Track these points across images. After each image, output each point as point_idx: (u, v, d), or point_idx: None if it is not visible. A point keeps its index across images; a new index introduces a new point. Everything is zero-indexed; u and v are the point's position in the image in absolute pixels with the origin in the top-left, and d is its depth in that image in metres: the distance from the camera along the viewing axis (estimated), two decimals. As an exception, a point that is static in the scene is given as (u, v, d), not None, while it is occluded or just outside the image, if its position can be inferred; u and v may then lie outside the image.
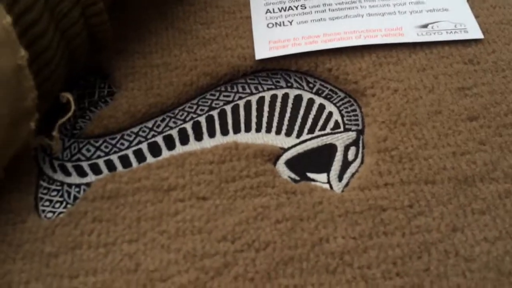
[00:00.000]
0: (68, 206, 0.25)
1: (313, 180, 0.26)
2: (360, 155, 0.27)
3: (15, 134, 0.23)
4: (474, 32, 0.31)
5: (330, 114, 0.29)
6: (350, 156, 0.27)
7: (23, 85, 0.22)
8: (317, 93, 0.30)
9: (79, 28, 0.25)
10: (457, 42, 0.31)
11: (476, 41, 0.31)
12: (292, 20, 0.32)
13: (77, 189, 0.26)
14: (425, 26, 0.31)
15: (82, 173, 0.26)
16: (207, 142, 0.28)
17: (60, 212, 0.25)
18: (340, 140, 0.28)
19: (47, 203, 0.25)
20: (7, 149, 0.23)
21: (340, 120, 0.28)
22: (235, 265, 0.22)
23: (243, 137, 0.28)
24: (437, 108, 0.28)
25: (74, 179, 0.26)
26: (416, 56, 0.30)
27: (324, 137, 0.28)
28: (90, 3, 0.25)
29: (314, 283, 0.22)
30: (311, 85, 0.30)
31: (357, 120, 0.28)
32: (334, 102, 0.29)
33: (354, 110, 0.29)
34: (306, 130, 0.28)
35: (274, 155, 0.27)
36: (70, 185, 0.26)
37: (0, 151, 0.22)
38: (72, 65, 0.26)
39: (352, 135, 0.28)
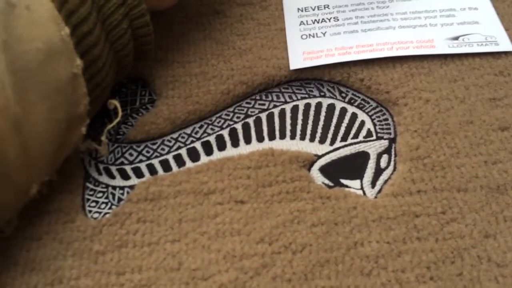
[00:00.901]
0: (113, 207, 0.26)
1: (347, 186, 0.27)
2: (392, 163, 0.28)
3: (68, 138, 0.24)
4: (505, 44, 0.32)
5: (363, 122, 0.30)
6: (383, 163, 0.28)
7: (77, 92, 0.24)
8: (349, 102, 0.31)
9: (127, 39, 0.27)
10: (488, 54, 0.31)
11: (506, 53, 0.31)
12: (325, 32, 0.33)
13: (121, 191, 0.27)
14: (456, 38, 0.32)
15: (125, 176, 0.28)
16: (244, 149, 0.29)
17: (106, 213, 0.26)
18: (373, 148, 0.29)
19: (93, 204, 0.26)
20: (61, 152, 0.24)
21: (372, 129, 0.29)
22: (273, 266, 0.23)
23: (278, 144, 0.29)
24: (469, 118, 0.28)
25: (118, 181, 0.28)
26: (447, 67, 0.31)
27: (357, 145, 0.29)
28: (138, 15, 0.27)
29: (349, 285, 0.23)
30: (343, 94, 0.31)
31: (389, 129, 0.29)
32: (367, 111, 0.30)
33: (386, 119, 0.30)
34: (339, 138, 0.29)
35: (309, 161, 0.28)
36: (114, 187, 0.27)
37: (55, 154, 0.24)
38: (119, 73, 0.28)
39: (384, 143, 0.29)
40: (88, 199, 0.27)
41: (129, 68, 0.29)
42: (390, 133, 0.29)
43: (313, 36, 0.33)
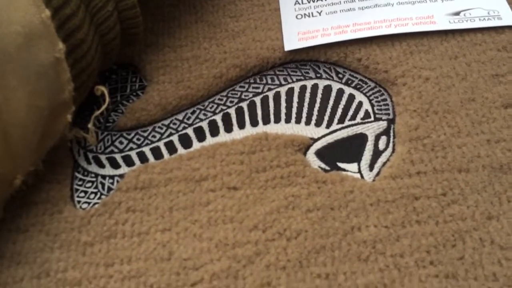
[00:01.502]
0: (103, 197, 0.26)
1: (344, 169, 0.26)
2: (391, 144, 0.27)
3: (53, 126, 0.23)
4: (508, 18, 0.30)
5: (360, 104, 0.29)
6: (381, 145, 0.27)
7: (60, 77, 0.23)
8: (346, 83, 0.29)
9: (113, 22, 0.26)
10: (490, 29, 0.30)
11: (509, 27, 0.30)
12: (321, 11, 0.32)
13: (110, 181, 0.26)
14: (457, 13, 0.31)
15: (115, 164, 0.27)
16: (237, 134, 0.28)
17: (95, 203, 0.25)
18: (371, 129, 0.27)
19: (82, 194, 0.26)
20: (45, 141, 0.24)
21: (370, 110, 0.28)
22: (266, 254, 0.23)
23: (273, 128, 0.28)
24: (471, 96, 0.27)
25: (108, 170, 0.27)
26: (448, 44, 0.30)
27: (354, 127, 0.28)
28: None
29: (346, 271, 0.22)
30: (340, 75, 0.30)
31: (387, 109, 0.28)
32: (364, 92, 0.29)
33: (385, 100, 0.29)
34: (336, 120, 0.28)
35: (304, 145, 0.27)
36: (104, 177, 0.26)
37: (39, 143, 0.23)
38: (106, 58, 0.27)
39: (382, 124, 0.28)
40: (77, 189, 0.26)
41: (116, 53, 0.28)
42: (388, 114, 0.28)
43: (309, 16, 0.32)
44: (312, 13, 0.32)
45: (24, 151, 0.22)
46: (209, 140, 0.28)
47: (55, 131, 0.24)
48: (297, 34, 0.31)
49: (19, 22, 0.21)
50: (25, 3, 0.21)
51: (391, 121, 0.28)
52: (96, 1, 0.25)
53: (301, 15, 0.32)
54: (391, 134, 0.27)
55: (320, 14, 0.32)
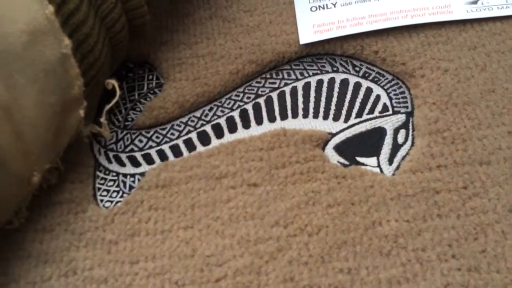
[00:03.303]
0: (125, 195, 0.26)
1: (363, 164, 0.26)
2: (410, 138, 0.27)
3: (66, 122, 0.23)
4: None
5: (378, 97, 0.28)
6: (400, 139, 0.27)
7: (69, 73, 0.23)
8: (363, 77, 0.29)
9: (118, 14, 0.26)
10: (509, 18, 0.30)
11: (529, 15, 0.30)
12: (336, 3, 0.32)
13: (132, 179, 0.27)
14: (475, 2, 0.30)
15: (136, 163, 0.27)
16: (255, 130, 0.28)
17: (117, 201, 0.26)
18: (389, 123, 0.27)
19: (104, 193, 0.26)
20: (60, 137, 0.24)
21: (388, 103, 0.28)
22: (288, 250, 0.23)
23: (290, 123, 0.28)
24: (490, 87, 0.27)
25: (129, 169, 0.27)
26: (467, 34, 0.29)
27: (373, 121, 0.28)
28: None
29: (368, 266, 0.22)
30: (357, 68, 0.30)
31: (406, 102, 0.28)
32: (382, 85, 0.29)
33: (403, 92, 0.28)
34: (354, 114, 0.28)
35: (323, 140, 0.27)
36: (125, 175, 0.27)
37: (53, 140, 0.23)
38: (115, 52, 0.27)
39: (401, 117, 0.27)
40: (99, 188, 0.26)
41: (125, 46, 0.28)
42: (407, 107, 0.28)
43: (323, 8, 0.32)
44: (326, 4, 0.32)
45: (39, 148, 0.22)
46: (228, 137, 0.28)
47: (69, 127, 0.24)
48: (312, 27, 0.31)
49: (22, 20, 0.21)
50: (27, 0, 0.21)
51: (409, 114, 0.27)
52: None
53: (316, 7, 0.32)
54: (410, 127, 0.27)
55: (334, 6, 0.32)
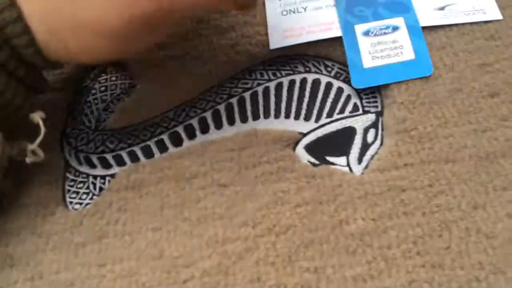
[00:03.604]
0: (94, 197, 0.26)
1: (333, 163, 0.26)
2: (379, 137, 0.27)
3: None
4: (493, 13, 0.30)
5: (349, 97, 0.29)
6: (370, 138, 0.27)
7: None
8: (335, 77, 0.30)
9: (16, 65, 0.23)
10: (478, 18, 0.30)
11: (497, 16, 0.30)
12: (306, 7, 0.32)
13: (102, 181, 0.27)
14: (442, 8, 0.31)
15: (106, 164, 0.27)
16: (227, 130, 0.28)
17: (87, 203, 0.26)
18: (360, 122, 0.28)
19: (74, 195, 0.26)
20: None
21: (359, 103, 0.28)
22: (256, 250, 0.23)
23: (263, 124, 0.28)
24: (457, 86, 0.27)
25: (99, 170, 0.27)
26: (436, 34, 0.30)
27: (343, 120, 0.28)
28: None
29: (334, 264, 0.22)
30: (329, 68, 0.30)
31: (376, 102, 0.28)
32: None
33: (373, 92, 0.29)
34: (324, 114, 0.28)
35: (293, 140, 0.27)
36: (95, 177, 0.27)
37: None
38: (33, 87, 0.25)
39: (371, 117, 0.28)
40: (69, 190, 0.26)
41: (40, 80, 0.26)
42: (377, 107, 0.28)
43: (294, 12, 0.32)
44: (297, 8, 0.32)
45: None
46: (200, 138, 0.28)
47: None
48: (283, 31, 0.31)
49: None
50: None
51: (379, 114, 0.28)
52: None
53: (287, 11, 0.32)
54: (380, 126, 0.27)
55: (305, 10, 0.32)
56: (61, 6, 0.22)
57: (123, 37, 0.23)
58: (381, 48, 0.29)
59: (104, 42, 0.23)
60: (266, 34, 0.31)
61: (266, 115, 0.29)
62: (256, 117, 0.29)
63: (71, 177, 0.27)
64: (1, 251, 0.23)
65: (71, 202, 0.26)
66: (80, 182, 0.26)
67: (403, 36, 0.30)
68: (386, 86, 0.28)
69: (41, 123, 0.24)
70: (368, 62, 0.29)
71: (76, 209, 0.25)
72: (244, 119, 0.28)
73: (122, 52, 0.25)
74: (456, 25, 0.30)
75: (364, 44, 0.29)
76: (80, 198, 0.26)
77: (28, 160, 0.24)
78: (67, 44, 0.23)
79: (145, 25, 0.23)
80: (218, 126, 0.28)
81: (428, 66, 0.28)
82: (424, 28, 0.30)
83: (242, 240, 0.23)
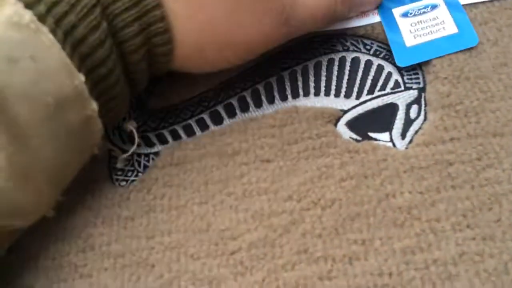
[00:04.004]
0: (139, 174, 0.26)
1: (375, 139, 0.26)
2: (423, 113, 0.27)
3: (80, 162, 0.23)
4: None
5: (390, 74, 0.28)
6: (413, 114, 0.27)
7: (91, 130, 0.22)
8: (375, 55, 0.29)
9: (142, 72, 0.24)
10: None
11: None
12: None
13: (146, 158, 0.27)
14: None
15: (149, 143, 0.28)
16: (267, 108, 0.28)
17: (132, 180, 0.26)
18: (402, 99, 0.27)
19: (119, 172, 0.26)
20: (71, 174, 0.23)
21: (400, 80, 0.28)
22: (302, 223, 0.23)
23: (302, 101, 0.28)
24: (502, 61, 0.27)
25: (143, 149, 0.27)
26: (477, 10, 0.29)
27: (385, 97, 0.28)
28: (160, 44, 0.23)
29: (382, 236, 0.22)
30: (368, 47, 0.30)
31: (418, 78, 0.28)
32: (393, 62, 0.29)
33: (414, 69, 0.28)
34: (365, 91, 0.28)
35: (335, 116, 0.27)
36: (139, 155, 0.27)
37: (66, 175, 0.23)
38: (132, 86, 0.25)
39: (413, 93, 0.27)
40: (114, 168, 0.27)
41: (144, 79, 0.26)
42: (419, 83, 0.28)
43: None
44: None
45: (61, 185, 0.22)
46: (240, 116, 0.28)
47: (81, 165, 0.23)
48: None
49: (49, 92, 0.19)
50: (54, 71, 0.20)
51: (421, 90, 0.27)
52: (132, 59, 0.23)
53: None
54: (423, 102, 0.27)
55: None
56: (216, 26, 0.23)
57: (255, 54, 0.26)
58: (422, 26, 0.29)
59: (240, 58, 0.26)
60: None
61: (306, 93, 0.29)
62: (295, 95, 0.29)
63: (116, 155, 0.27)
64: (53, 225, 0.24)
65: (117, 180, 0.26)
66: (125, 160, 0.27)
67: (443, 12, 0.29)
68: (428, 62, 0.28)
69: (135, 132, 0.25)
70: (410, 40, 0.29)
71: (122, 186, 0.26)
72: (283, 97, 0.29)
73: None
74: (498, 0, 0.30)
75: (404, 25, 0.29)
76: (125, 176, 0.26)
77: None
78: (207, 58, 0.24)
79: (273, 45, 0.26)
80: (258, 104, 0.28)
81: (473, 37, 0.28)
82: (464, 6, 0.29)
83: (288, 213, 0.23)
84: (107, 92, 0.22)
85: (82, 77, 0.20)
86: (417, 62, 0.28)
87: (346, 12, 0.29)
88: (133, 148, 0.26)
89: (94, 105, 0.21)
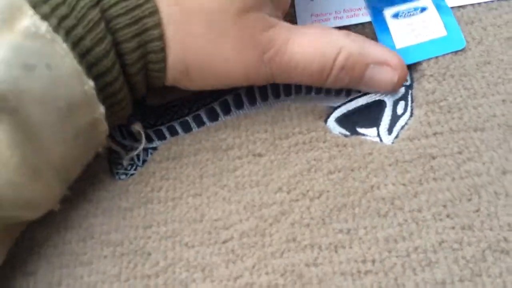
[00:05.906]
0: (138, 168, 0.28)
1: (363, 134, 0.27)
2: (409, 109, 0.28)
3: (86, 160, 0.25)
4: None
5: (378, 72, 0.30)
6: (399, 110, 0.28)
7: (98, 130, 0.24)
8: (364, 53, 0.30)
9: (140, 83, 0.26)
10: (506, -6, 0.31)
11: (527, -10, 0.30)
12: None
13: (145, 153, 0.28)
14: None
15: (148, 138, 0.29)
16: (260, 106, 0.29)
17: (132, 174, 0.27)
18: (389, 96, 0.29)
19: (119, 166, 0.28)
20: (77, 171, 0.25)
21: (388, 77, 0.29)
22: (291, 213, 0.24)
23: (295, 99, 0.29)
24: (486, 59, 0.28)
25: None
26: (464, 10, 0.30)
27: (373, 95, 0.29)
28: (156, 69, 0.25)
29: (366, 226, 0.23)
30: (358, 46, 0.31)
31: (405, 76, 0.29)
32: (382, 60, 0.30)
33: (402, 67, 0.29)
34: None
35: (325, 113, 0.28)
36: (138, 150, 0.28)
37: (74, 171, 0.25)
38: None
39: (401, 90, 0.29)
40: (114, 162, 0.28)
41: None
42: (406, 81, 0.29)
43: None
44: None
45: (69, 178, 0.24)
46: (234, 113, 0.29)
47: (86, 162, 0.25)
48: (310, 16, 0.32)
49: (62, 97, 0.21)
50: (67, 78, 0.21)
51: (409, 87, 0.28)
52: (131, 70, 0.24)
53: (316, -3, 0.33)
54: (409, 99, 0.28)
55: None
56: (198, 51, 0.24)
57: (237, 85, 0.27)
58: (412, 28, 0.30)
59: (222, 84, 0.27)
60: (295, 17, 0.32)
61: (298, 91, 0.30)
62: (288, 93, 0.30)
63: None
64: (56, 216, 0.25)
65: (117, 173, 0.27)
66: (130, 158, 0.28)
67: (432, 15, 0.30)
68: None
69: (142, 133, 0.27)
70: (400, 42, 0.30)
71: (122, 179, 0.27)
72: (276, 95, 0.30)
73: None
74: (485, 2, 0.31)
75: (395, 26, 0.30)
76: (125, 169, 0.28)
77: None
78: (191, 80, 0.26)
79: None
80: (252, 102, 0.30)
81: (460, 40, 0.29)
82: (452, 7, 0.30)
83: (278, 204, 0.25)
84: (112, 97, 0.24)
85: (92, 83, 0.22)
86: (406, 63, 0.29)
87: (345, 82, 0.27)
88: (139, 149, 0.27)
89: (102, 109, 0.23)
